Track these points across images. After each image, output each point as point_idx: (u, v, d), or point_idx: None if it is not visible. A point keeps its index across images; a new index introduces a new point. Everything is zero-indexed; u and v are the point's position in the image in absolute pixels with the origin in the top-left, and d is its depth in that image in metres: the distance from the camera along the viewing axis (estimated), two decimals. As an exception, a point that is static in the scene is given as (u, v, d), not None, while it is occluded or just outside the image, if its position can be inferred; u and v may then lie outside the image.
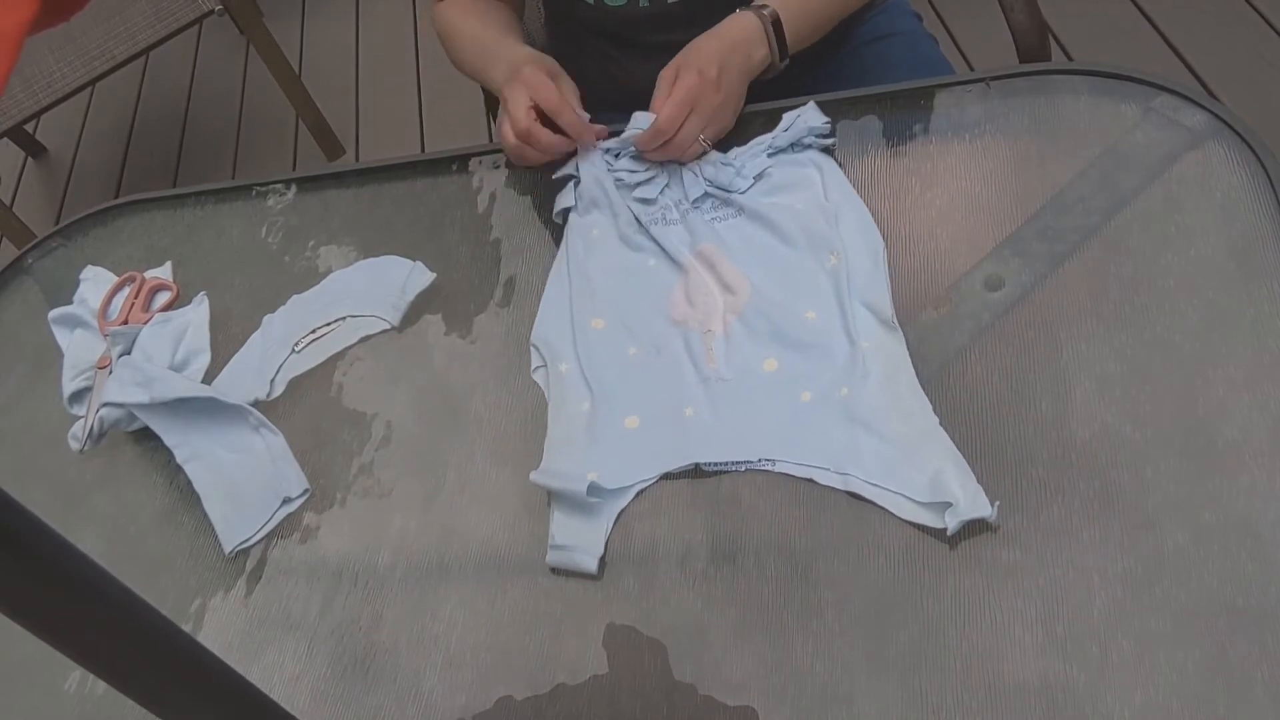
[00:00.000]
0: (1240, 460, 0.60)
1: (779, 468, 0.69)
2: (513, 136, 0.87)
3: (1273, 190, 0.70)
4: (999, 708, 0.56)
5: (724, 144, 0.88)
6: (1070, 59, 1.88)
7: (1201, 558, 0.58)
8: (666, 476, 0.71)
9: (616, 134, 0.89)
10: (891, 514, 0.64)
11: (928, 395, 0.68)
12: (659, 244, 0.84)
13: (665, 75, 0.85)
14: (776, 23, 0.85)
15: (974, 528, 0.62)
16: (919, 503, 0.64)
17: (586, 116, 0.87)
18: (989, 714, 0.56)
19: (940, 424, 0.67)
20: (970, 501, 0.62)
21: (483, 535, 0.73)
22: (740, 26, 0.86)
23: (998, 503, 0.62)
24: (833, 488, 0.67)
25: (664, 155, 0.85)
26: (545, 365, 0.80)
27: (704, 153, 0.86)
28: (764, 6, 0.86)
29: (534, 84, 0.85)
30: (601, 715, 0.63)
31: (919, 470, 0.65)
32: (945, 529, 0.62)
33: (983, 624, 0.59)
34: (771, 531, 0.66)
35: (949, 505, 0.62)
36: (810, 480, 0.67)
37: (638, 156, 0.88)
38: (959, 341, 0.71)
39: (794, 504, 0.67)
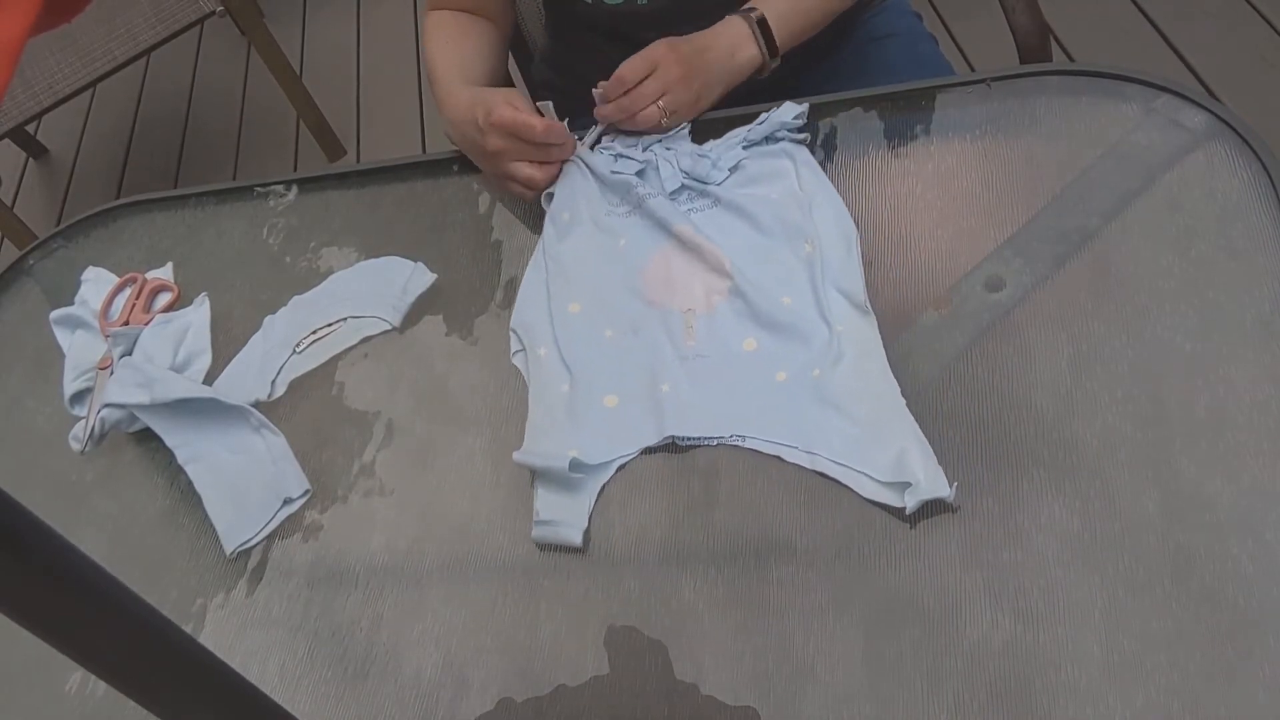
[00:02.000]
0: (1242, 461, 0.60)
1: (749, 444, 0.70)
2: (520, 178, 0.87)
3: (1274, 191, 0.70)
4: (1000, 707, 0.56)
5: (699, 138, 0.88)
6: (1071, 59, 1.88)
7: (1203, 558, 0.58)
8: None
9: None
10: (893, 514, 0.64)
11: (929, 396, 0.69)
12: (639, 223, 0.85)
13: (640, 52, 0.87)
14: (764, 24, 0.87)
15: (975, 529, 0.62)
16: (881, 482, 0.65)
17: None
18: (990, 713, 0.56)
19: (937, 427, 0.67)
20: (930, 482, 0.63)
21: (484, 536, 0.73)
22: (726, 28, 0.88)
23: (955, 484, 0.63)
24: (811, 472, 0.68)
25: (618, 110, 0.86)
26: (524, 350, 0.81)
27: (659, 122, 0.86)
28: (752, 9, 0.88)
29: (501, 122, 0.84)
30: (602, 716, 0.63)
31: (883, 450, 0.66)
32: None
33: (983, 625, 0.59)
34: (773, 533, 0.66)
35: (909, 485, 0.63)
36: (778, 458, 0.69)
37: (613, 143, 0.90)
38: (960, 342, 0.71)
39: (796, 505, 0.67)
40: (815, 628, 0.62)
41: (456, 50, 0.99)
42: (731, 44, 0.87)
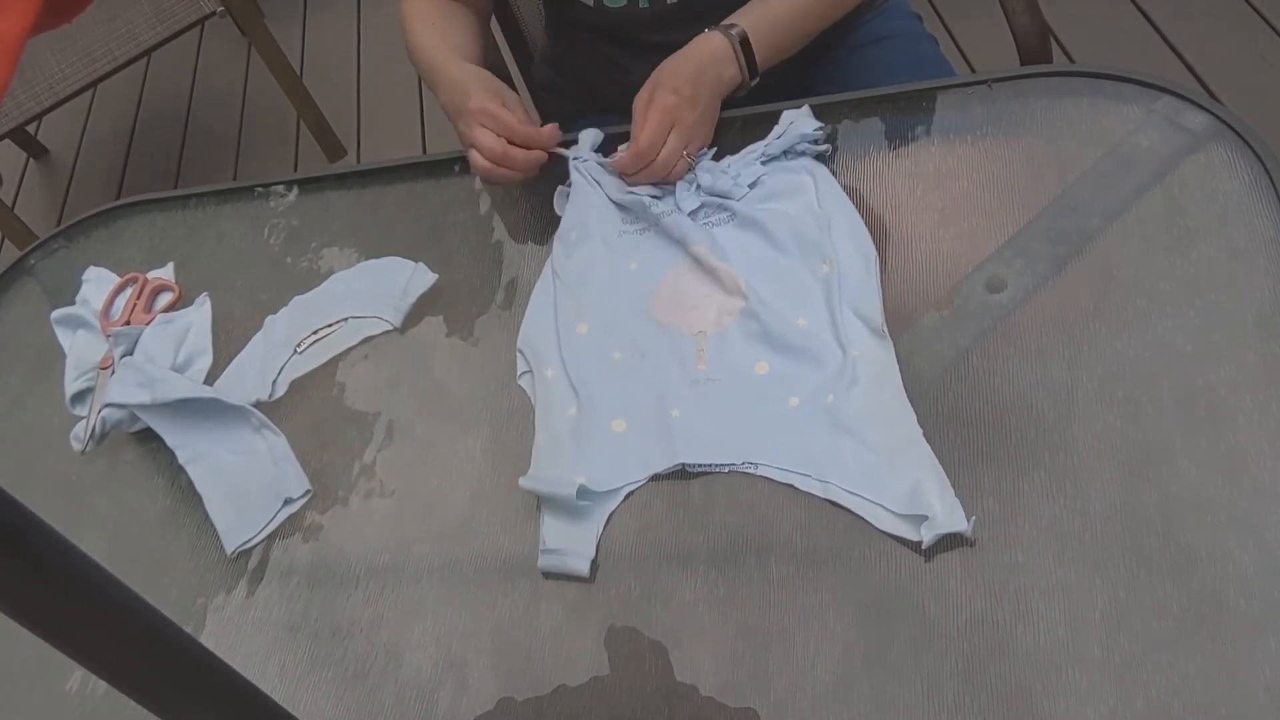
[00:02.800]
0: (1242, 462, 0.60)
1: (761, 471, 0.69)
2: (485, 162, 0.86)
3: (1274, 192, 0.70)
4: (1001, 710, 0.56)
5: (717, 152, 0.88)
6: (1072, 61, 1.88)
7: (1204, 560, 0.58)
8: (656, 478, 0.71)
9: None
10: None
11: (930, 397, 0.69)
12: (650, 244, 0.84)
13: (640, 100, 0.84)
14: (745, 42, 0.86)
15: (975, 530, 0.62)
16: (896, 514, 0.64)
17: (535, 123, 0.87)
18: (990, 715, 0.56)
19: (938, 428, 0.67)
20: (947, 515, 0.62)
21: (484, 537, 0.73)
22: (709, 46, 0.86)
23: (974, 517, 0.62)
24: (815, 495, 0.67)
25: (648, 178, 0.85)
26: (531, 371, 0.80)
27: (690, 169, 0.85)
28: (733, 26, 0.86)
29: (485, 117, 0.84)
30: (602, 716, 0.63)
31: (898, 480, 0.65)
32: (922, 541, 0.62)
33: (984, 626, 0.59)
34: (773, 533, 0.66)
35: (926, 518, 0.62)
36: (791, 486, 0.68)
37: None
38: (961, 343, 0.71)
39: (796, 506, 0.67)
40: (815, 628, 0.62)
41: (440, 32, 0.98)
42: (716, 62, 0.85)
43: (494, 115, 0.84)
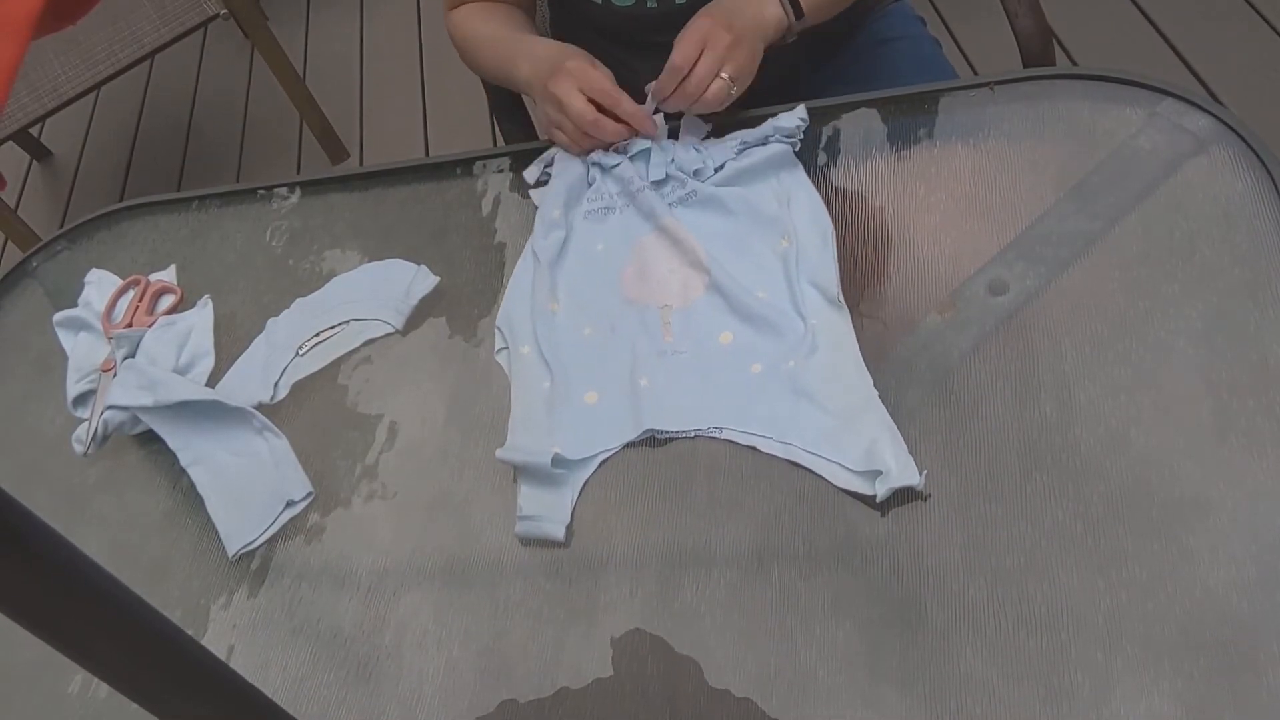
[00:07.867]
0: (1245, 465, 0.60)
1: (725, 435, 0.71)
2: (566, 130, 0.87)
3: (1277, 194, 0.70)
4: (1002, 714, 0.56)
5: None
6: (1074, 63, 1.88)
7: (1206, 563, 0.58)
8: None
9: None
10: (896, 518, 0.64)
11: (932, 399, 0.69)
12: (615, 224, 0.86)
13: (679, 35, 0.85)
14: None
15: (978, 533, 0.62)
16: (853, 471, 0.66)
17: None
18: (992, 718, 0.56)
19: (939, 430, 0.67)
20: (900, 470, 0.64)
21: (486, 539, 0.73)
22: None
23: (925, 471, 0.64)
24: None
25: (683, 98, 0.84)
26: (508, 348, 0.82)
27: (728, 94, 0.84)
28: None
29: (582, 75, 0.85)
30: (604, 718, 0.62)
31: (856, 439, 0.67)
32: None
33: (986, 630, 0.59)
34: (775, 536, 0.66)
35: (880, 473, 0.64)
36: (753, 449, 0.70)
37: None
38: (963, 346, 0.71)
39: (798, 508, 0.67)
40: (817, 631, 0.62)
41: (499, 26, 0.99)
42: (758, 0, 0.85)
43: (586, 76, 0.84)
